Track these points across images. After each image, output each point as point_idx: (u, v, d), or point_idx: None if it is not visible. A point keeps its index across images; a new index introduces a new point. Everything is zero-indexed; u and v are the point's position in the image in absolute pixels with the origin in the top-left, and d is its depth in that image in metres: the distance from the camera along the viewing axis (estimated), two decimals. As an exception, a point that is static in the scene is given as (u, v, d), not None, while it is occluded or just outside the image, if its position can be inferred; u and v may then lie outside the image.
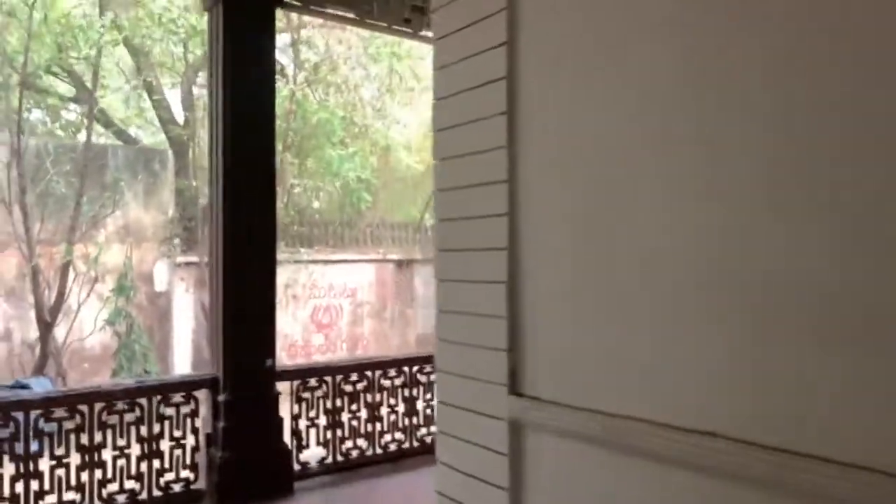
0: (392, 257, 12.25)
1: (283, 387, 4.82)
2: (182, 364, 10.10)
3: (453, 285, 2.57)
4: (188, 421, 4.50)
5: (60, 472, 4.03)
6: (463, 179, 2.48)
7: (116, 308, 8.77)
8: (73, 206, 8.68)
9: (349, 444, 5.15)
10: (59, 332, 8.60)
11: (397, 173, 12.58)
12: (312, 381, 5.01)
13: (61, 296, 8.52)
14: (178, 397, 4.47)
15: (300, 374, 5.00)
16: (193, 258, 10.11)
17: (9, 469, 3.88)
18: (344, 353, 11.60)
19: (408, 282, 12.46)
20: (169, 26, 9.48)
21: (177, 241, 10.23)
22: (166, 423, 4.42)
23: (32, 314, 8.61)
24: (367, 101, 11.34)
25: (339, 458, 5.10)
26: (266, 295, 4.68)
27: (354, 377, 5.21)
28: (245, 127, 4.55)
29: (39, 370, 8.30)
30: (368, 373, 5.29)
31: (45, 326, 8.31)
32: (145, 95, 11.12)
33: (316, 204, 12.29)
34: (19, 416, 3.91)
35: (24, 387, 7.43)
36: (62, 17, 9.13)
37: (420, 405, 5.54)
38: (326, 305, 11.37)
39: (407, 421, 5.46)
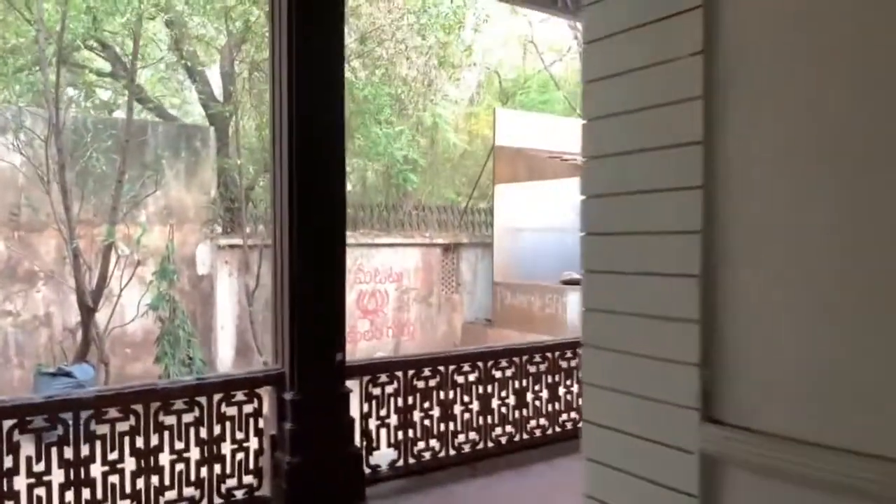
0: (438, 241, 11.74)
1: (349, 383, 4.36)
2: (226, 350, 9.76)
3: (610, 278, 2.04)
4: (251, 421, 4.05)
5: (114, 478, 3.60)
6: (631, 141, 1.94)
7: (159, 292, 8.39)
8: (113, 185, 8.27)
9: (421, 444, 4.69)
10: (101, 317, 8.25)
11: (446, 153, 12.02)
12: (383, 377, 4.54)
13: (103, 279, 8.14)
14: (240, 395, 4.02)
15: (370, 370, 4.52)
16: (237, 240, 9.71)
17: (58, 476, 3.46)
18: (390, 339, 11.17)
19: (454, 267, 11.97)
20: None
21: (219, 222, 9.84)
22: (227, 423, 3.98)
23: (73, 298, 8.26)
24: (414, 77, 10.75)
25: (411, 460, 4.63)
26: (335, 283, 4.20)
27: (427, 372, 4.73)
28: (311, 98, 4.04)
29: (82, 357, 7.97)
30: (441, 367, 4.80)
31: (87, 311, 7.96)
32: (183, 71, 10.68)
33: (349, 186, 11.80)
34: (68, 416, 3.49)
35: (67, 374, 7.12)
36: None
37: (495, 403, 5.06)
38: (372, 291, 10.92)
39: (481, 420, 4.98)
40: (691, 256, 1.79)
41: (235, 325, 9.87)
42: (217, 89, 10.83)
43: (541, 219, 11.51)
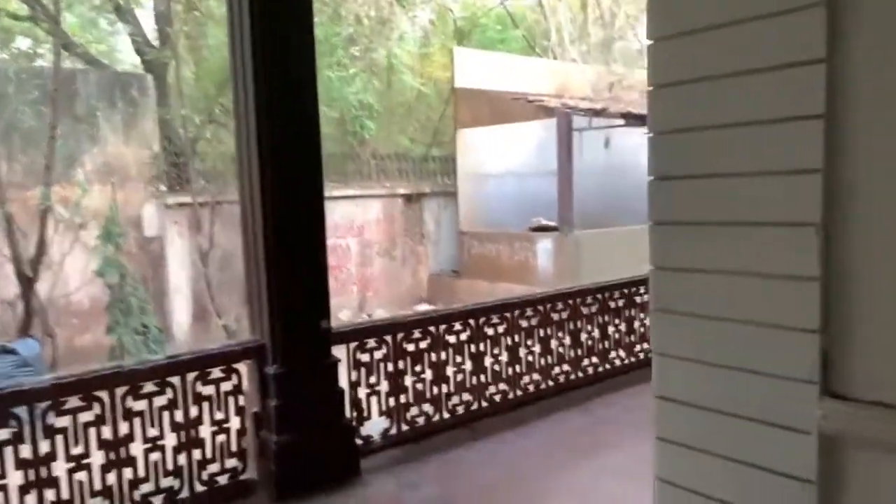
0: (400, 192, 11.26)
1: (336, 351, 3.99)
2: (182, 316, 9.20)
3: (692, 231, 1.71)
4: (230, 400, 3.66)
5: (81, 475, 3.17)
6: (725, 62, 1.59)
7: (105, 257, 7.74)
8: (44, 142, 7.48)
9: (414, 410, 4.39)
10: (42, 287, 7.58)
11: (401, 97, 11.42)
12: (371, 342, 4.18)
13: (42, 246, 7.45)
14: (216, 372, 3.61)
15: (357, 335, 4.15)
16: (185, 198, 9.04)
17: (15, 479, 3.02)
18: (355, 295, 10.78)
19: (417, 217, 11.55)
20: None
21: (164, 179, 9.12)
22: (204, 404, 3.58)
23: (9, 269, 7.55)
24: (366, 14, 10.05)
25: (405, 427, 4.34)
26: (314, 241, 3.78)
27: (417, 334, 4.40)
28: (279, 40, 3.53)
29: (24, 331, 7.33)
30: (431, 328, 4.48)
31: (27, 281, 7.29)
32: (112, 13, 9.72)
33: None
34: (22, 411, 3.03)
35: (10, 351, 6.50)
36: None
37: (487, 361, 4.79)
38: (333, 246, 10.44)
39: (475, 380, 4.71)
40: (810, 201, 1.47)
41: (191, 288, 9.30)
42: (151, 34, 9.92)
43: (506, 164, 11.15)
